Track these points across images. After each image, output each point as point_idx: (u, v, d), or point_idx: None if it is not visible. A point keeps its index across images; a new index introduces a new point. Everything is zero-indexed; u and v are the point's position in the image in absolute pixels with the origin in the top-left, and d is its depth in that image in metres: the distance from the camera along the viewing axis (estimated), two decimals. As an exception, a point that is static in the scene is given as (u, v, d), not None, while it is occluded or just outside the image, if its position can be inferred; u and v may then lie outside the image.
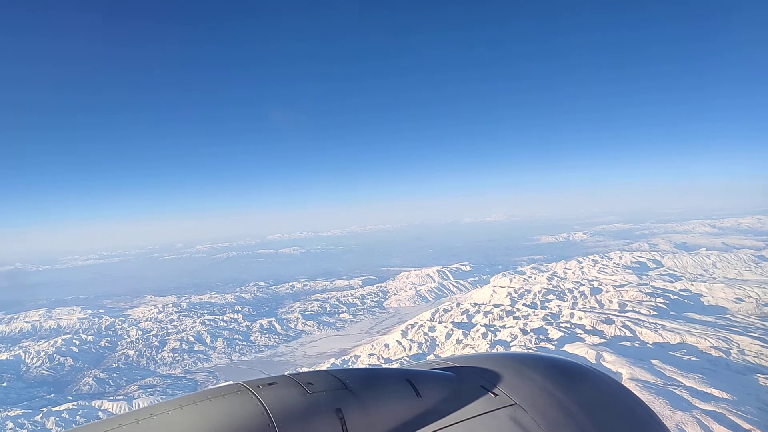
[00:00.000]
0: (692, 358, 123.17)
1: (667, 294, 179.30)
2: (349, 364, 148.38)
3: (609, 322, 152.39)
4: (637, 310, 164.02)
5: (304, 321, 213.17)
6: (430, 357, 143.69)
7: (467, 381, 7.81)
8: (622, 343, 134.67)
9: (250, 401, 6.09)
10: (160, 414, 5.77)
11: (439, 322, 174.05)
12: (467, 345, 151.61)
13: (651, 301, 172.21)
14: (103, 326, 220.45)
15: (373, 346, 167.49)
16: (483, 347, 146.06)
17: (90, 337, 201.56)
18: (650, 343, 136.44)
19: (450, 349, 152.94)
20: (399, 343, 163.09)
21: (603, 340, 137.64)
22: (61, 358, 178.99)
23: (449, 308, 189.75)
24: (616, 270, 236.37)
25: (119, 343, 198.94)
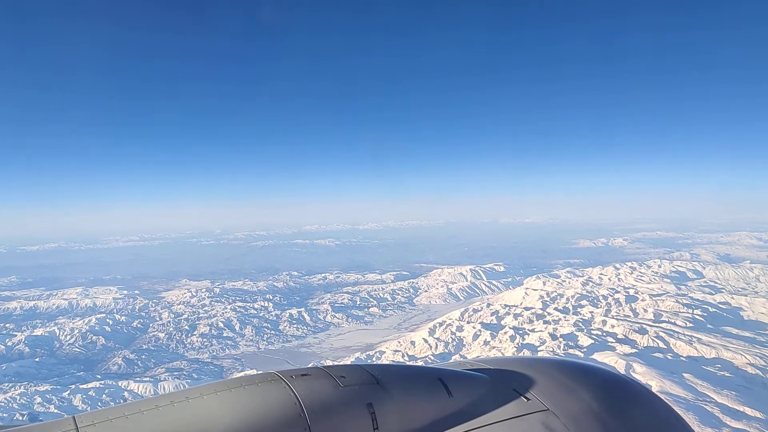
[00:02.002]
0: (727, 374, 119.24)
1: (706, 306, 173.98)
2: (374, 359, 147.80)
3: (642, 331, 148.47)
4: (672, 321, 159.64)
5: (333, 313, 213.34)
6: (456, 357, 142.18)
7: (500, 384, 7.78)
8: (654, 355, 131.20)
9: (283, 391, 6.23)
10: (195, 398, 5.98)
11: (468, 322, 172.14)
12: (494, 347, 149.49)
13: (688, 312, 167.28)
14: (137, 307, 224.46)
15: (399, 342, 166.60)
16: (510, 350, 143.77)
17: (123, 317, 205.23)
18: (684, 356, 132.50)
19: (476, 350, 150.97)
20: (425, 341, 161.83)
21: (634, 350, 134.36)
22: (94, 337, 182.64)
23: (479, 308, 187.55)
24: (654, 279, 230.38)
25: (151, 325, 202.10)
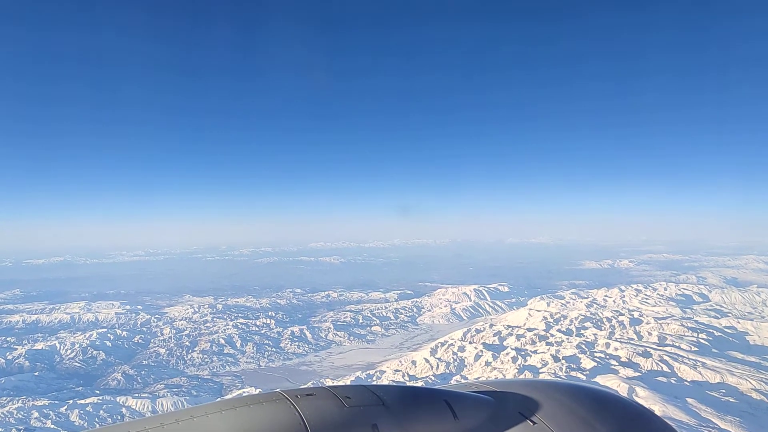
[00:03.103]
0: (731, 400, 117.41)
1: (711, 330, 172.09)
2: (374, 378, 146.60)
3: (646, 355, 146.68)
4: (677, 344, 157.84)
5: (335, 331, 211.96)
6: (457, 378, 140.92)
7: (506, 407, 7.74)
8: (658, 379, 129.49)
9: (288, 410, 6.17)
10: (199, 416, 5.94)
11: (470, 343, 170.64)
12: (495, 368, 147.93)
13: (693, 336, 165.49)
14: (139, 323, 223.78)
15: (400, 362, 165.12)
16: (512, 371, 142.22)
17: (125, 332, 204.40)
18: (688, 380, 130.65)
19: (478, 371, 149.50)
20: (426, 361, 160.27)
21: (638, 374, 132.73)
22: (94, 352, 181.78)
23: (482, 329, 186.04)
24: (660, 301, 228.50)
25: (152, 340, 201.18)
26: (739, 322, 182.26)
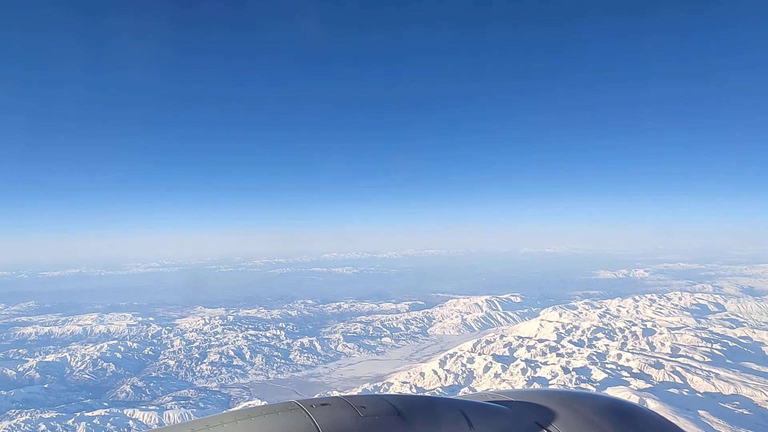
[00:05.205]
0: (745, 412, 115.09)
1: (726, 340, 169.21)
2: (381, 390, 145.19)
3: (658, 366, 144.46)
4: (690, 355, 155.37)
5: (345, 343, 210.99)
6: (465, 390, 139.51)
7: (521, 416, 7.69)
8: (670, 390, 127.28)
9: (303, 420, 6.13)
10: (215, 426, 5.94)
11: (479, 354, 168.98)
12: (505, 380, 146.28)
13: (707, 346, 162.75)
14: (150, 334, 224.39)
15: (409, 373, 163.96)
16: (521, 383, 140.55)
17: (135, 344, 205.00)
18: (700, 392, 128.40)
19: (486, 382, 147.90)
20: (435, 372, 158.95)
21: (649, 386, 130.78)
22: (105, 364, 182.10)
23: (492, 340, 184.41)
24: (674, 311, 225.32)
25: (162, 352, 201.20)
26: (754, 332, 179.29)
